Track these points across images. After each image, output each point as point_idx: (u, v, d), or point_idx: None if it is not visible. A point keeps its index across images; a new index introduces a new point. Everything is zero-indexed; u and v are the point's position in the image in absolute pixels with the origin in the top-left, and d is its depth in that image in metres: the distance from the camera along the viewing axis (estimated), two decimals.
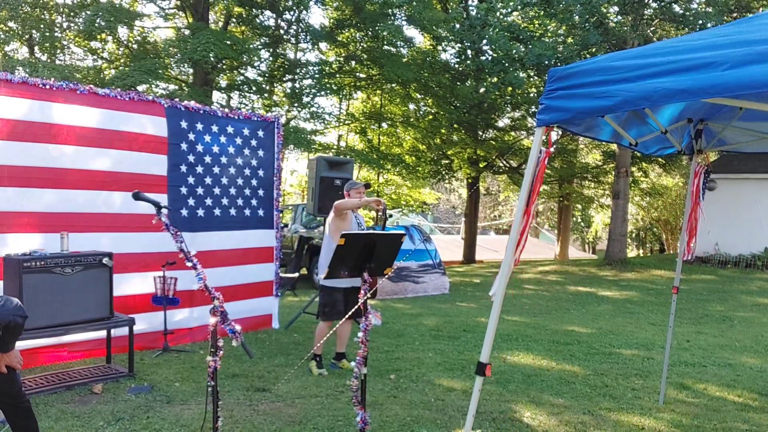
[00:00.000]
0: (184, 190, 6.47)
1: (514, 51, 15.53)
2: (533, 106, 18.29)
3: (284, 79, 19.68)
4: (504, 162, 22.13)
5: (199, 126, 6.59)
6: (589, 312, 9.79)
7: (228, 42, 15.60)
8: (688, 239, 4.51)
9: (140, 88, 15.17)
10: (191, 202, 6.53)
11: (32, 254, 4.73)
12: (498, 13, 16.79)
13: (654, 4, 16.22)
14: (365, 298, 3.46)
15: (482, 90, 16.96)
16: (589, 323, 8.62)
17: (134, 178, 5.97)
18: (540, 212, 35.56)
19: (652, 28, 16.71)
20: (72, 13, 17.07)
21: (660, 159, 19.68)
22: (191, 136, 6.51)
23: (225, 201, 6.86)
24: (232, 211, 6.94)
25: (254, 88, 18.79)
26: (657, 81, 2.45)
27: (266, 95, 19.30)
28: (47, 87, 5.40)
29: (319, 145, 18.38)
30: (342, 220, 5.32)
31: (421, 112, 21.85)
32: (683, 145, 4.43)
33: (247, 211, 7.10)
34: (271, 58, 19.21)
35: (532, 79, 18.52)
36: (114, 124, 5.89)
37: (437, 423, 4.20)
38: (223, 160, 6.83)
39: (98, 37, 17.20)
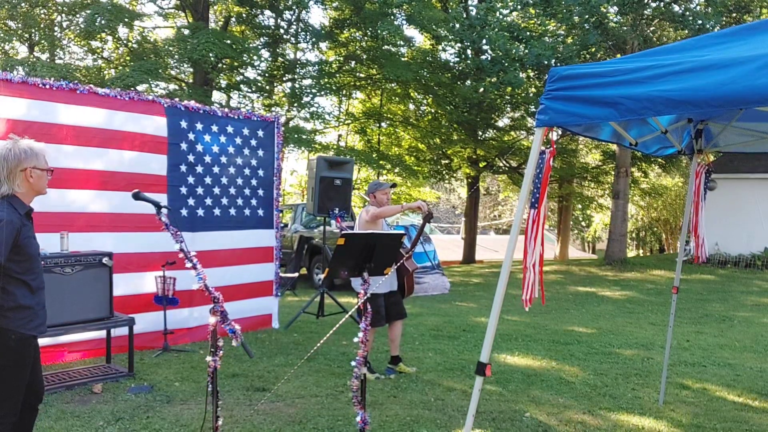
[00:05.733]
0: (183, 189, 6.47)
1: (514, 51, 15.53)
2: (533, 106, 18.28)
3: (284, 79, 19.68)
4: (504, 162, 22.11)
5: (199, 126, 6.59)
6: (589, 312, 9.79)
7: (228, 41, 15.61)
8: (695, 241, 4.50)
9: (140, 88, 15.17)
10: (191, 201, 6.53)
11: None
12: (498, 13, 16.78)
13: (653, 4, 16.22)
14: (365, 298, 3.46)
15: (481, 90, 16.96)
16: (589, 323, 8.62)
17: (134, 178, 5.97)
18: None
19: (651, 28, 16.70)
20: (72, 13, 17.07)
21: (660, 159, 19.69)
22: (191, 136, 6.51)
23: (225, 201, 6.86)
24: (232, 211, 6.93)
25: (254, 88, 18.79)
26: (660, 88, 2.43)
27: (266, 95, 19.30)
28: (47, 87, 5.40)
29: (319, 145, 18.38)
30: (374, 224, 5.28)
31: (421, 112, 21.85)
32: (683, 145, 4.43)
33: (247, 211, 7.10)
34: (270, 58, 19.22)
35: (531, 79, 18.51)
36: (114, 124, 5.89)
37: (437, 423, 4.19)
38: (223, 159, 6.82)
39: (98, 36, 17.20)
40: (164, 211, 3.04)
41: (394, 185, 5.58)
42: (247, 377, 5.19)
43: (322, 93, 18.83)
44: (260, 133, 7.19)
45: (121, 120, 5.95)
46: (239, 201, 7.00)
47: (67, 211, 5.57)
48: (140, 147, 6.10)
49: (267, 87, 19.31)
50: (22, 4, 16.06)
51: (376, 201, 5.39)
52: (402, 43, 18.93)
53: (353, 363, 3.42)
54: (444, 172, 22.41)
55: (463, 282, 14.29)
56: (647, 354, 6.57)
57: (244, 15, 18.19)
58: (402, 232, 3.94)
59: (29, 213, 2.78)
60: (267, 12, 18.62)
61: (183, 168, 6.45)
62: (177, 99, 8.19)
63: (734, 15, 16.19)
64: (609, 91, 2.59)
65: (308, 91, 18.66)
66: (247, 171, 7.07)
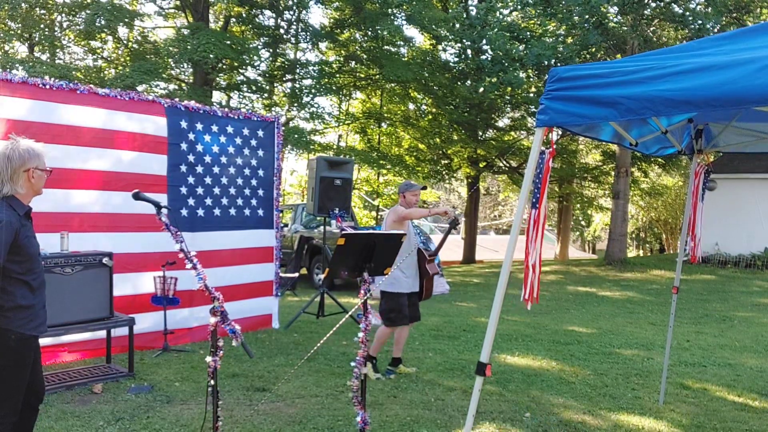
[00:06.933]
0: (183, 189, 6.47)
1: (514, 51, 15.54)
2: (533, 106, 18.27)
3: (284, 79, 19.68)
4: (504, 162, 22.12)
5: (199, 126, 6.59)
6: (589, 312, 9.79)
7: (228, 42, 15.60)
8: (692, 241, 4.50)
9: (140, 88, 15.18)
10: (191, 201, 6.53)
11: None
12: (498, 13, 16.78)
13: (653, 4, 16.22)
14: (365, 298, 3.46)
15: (481, 90, 16.97)
16: (589, 323, 8.62)
17: (134, 178, 5.96)
18: None
19: (651, 28, 16.70)
20: (72, 13, 17.07)
21: (660, 159, 19.69)
22: (191, 136, 6.51)
23: (225, 201, 6.86)
24: (232, 211, 6.93)
25: (254, 88, 18.79)
26: (661, 88, 2.43)
27: (266, 95, 19.30)
28: (47, 87, 5.40)
29: (318, 145, 18.38)
30: (401, 225, 5.26)
31: (421, 112, 21.86)
32: (683, 145, 4.43)
33: (247, 211, 7.10)
34: (271, 58, 19.22)
35: (531, 79, 18.51)
36: (114, 124, 5.89)
37: (437, 423, 4.20)
38: (223, 159, 6.82)
39: (98, 36, 17.19)
40: (164, 211, 3.04)
41: (424, 188, 5.56)
42: (247, 377, 5.19)
43: (322, 93, 18.83)
44: (260, 133, 7.19)
45: (122, 120, 5.95)
46: (239, 201, 7.00)
47: (68, 211, 5.57)
48: (140, 147, 6.10)
49: (267, 87, 19.31)
50: (22, 4, 16.05)
51: (405, 201, 5.35)
52: (402, 43, 18.93)
53: (353, 363, 3.42)
54: (444, 172, 22.42)
55: (463, 282, 14.29)
56: (647, 354, 6.57)
57: (244, 15, 18.18)
58: (402, 232, 3.93)
59: (28, 213, 2.78)
60: (267, 12, 18.63)
61: (183, 168, 6.45)
62: (177, 99, 8.19)
63: (734, 15, 16.19)
64: (609, 91, 2.59)
65: (308, 91, 18.67)
66: (247, 171, 7.07)
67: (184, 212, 6.46)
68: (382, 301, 5.35)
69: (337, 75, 19.22)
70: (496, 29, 15.58)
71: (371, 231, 5.05)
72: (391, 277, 5.22)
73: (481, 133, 20.80)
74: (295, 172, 27.97)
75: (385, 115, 21.76)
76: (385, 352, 6.07)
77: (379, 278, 5.28)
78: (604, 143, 17.75)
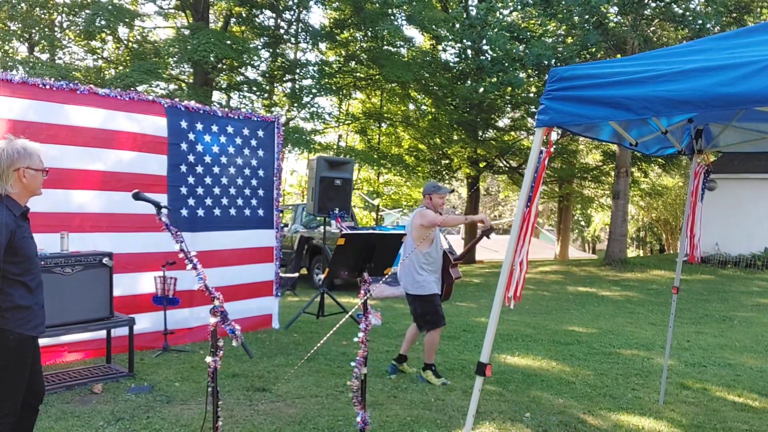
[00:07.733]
0: (184, 190, 6.47)
1: (514, 51, 15.54)
2: (533, 106, 18.27)
3: (284, 79, 19.68)
4: (504, 162, 22.12)
5: (199, 126, 6.59)
6: (589, 312, 9.79)
7: (228, 42, 15.61)
8: (690, 241, 4.50)
9: (140, 88, 15.19)
10: (191, 202, 6.53)
11: None
12: (498, 13, 16.79)
13: (653, 4, 16.22)
14: (365, 298, 3.46)
15: (481, 90, 16.98)
16: (589, 323, 8.62)
17: (134, 178, 5.96)
18: (540, 212, 35.48)
19: (652, 28, 16.71)
20: (72, 13, 17.08)
21: (660, 159, 19.69)
22: (191, 136, 6.51)
23: (225, 201, 6.86)
24: (232, 211, 6.93)
25: (254, 88, 18.79)
26: (660, 89, 2.43)
27: (266, 95, 19.30)
28: (47, 87, 5.40)
29: (318, 145, 18.39)
30: (429, 229, 5.20)
31: (421, 112, 21.86)
32: (683, 145, 4.43)
33: (247, 211, 7.10)
34: (271, 58, 19.23)
35: (531, 79, 18.51)
36: (114, 124, 5.89)
37: (437, 423, 4.19)
38: (223, 160, 6.82)
39: (98, 36, 17.20)
40: (164, 211, 3.04)
41: (452, 191, 5.50)
42: (247, 377, 5.19)
43: (322, 93, 18.84)
44: (260, 133, 7.19)
45: (122, 120, 5.95)
46: (239, 201, 7.00)
47: (68, 211, 5.57)
48: (140, 147, 6.10)
49: (267, 87, 19.31)
50: (22, 4, 16.06)
51: (431, 204, 5.25)
52: (402, 43, 18.92)
53: (353, 363, 3.42)
54: (444, 172, 22.42)
55: (463, 282, 14.28)
56: (647, 354, 6.57)
57: (244, 15, 18.19)
58: (402, 232, 3.94)
59: (25, 213, 2.76)
60: (267, 12, 18.63)
61: (183, 168, 6.45)
62: (177, 99, 8.19)
63: (734, 15, 16.19)
64: (609, 91, 2.59)
65: (308, 91, 18.67)
66: (247, 171, 7.07)
67: (184, 212, 6.46)
68: (415, 305, 5.29)
69: (337, 75, 19.22)
70: (496, 29, 15.58)
71: (371, 231, 5.05)
72: (420, 280, 5.17)
73: (481, 133, 20.79)
74: (295, 172, 28.01)
75: (385, 115, 21.75)
76: (385, 352, 6.07)
77: (403, 282, 5.27)
78: (604, 143, 17.76)
